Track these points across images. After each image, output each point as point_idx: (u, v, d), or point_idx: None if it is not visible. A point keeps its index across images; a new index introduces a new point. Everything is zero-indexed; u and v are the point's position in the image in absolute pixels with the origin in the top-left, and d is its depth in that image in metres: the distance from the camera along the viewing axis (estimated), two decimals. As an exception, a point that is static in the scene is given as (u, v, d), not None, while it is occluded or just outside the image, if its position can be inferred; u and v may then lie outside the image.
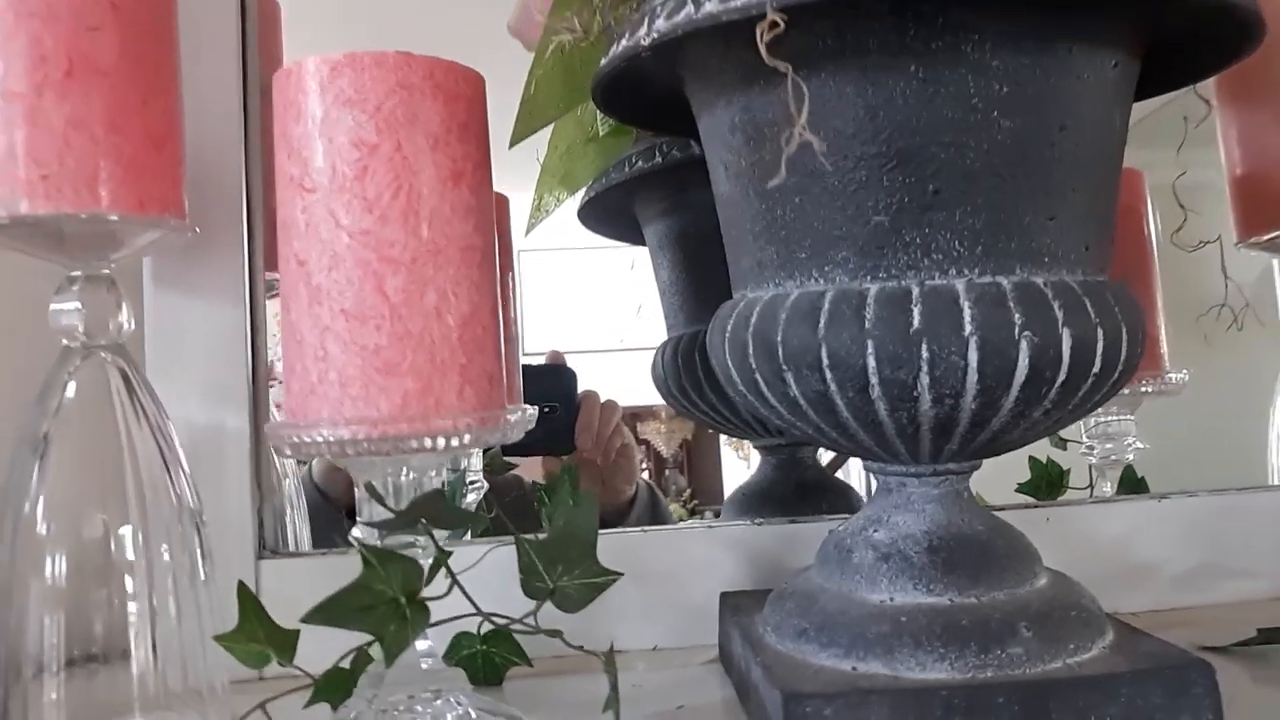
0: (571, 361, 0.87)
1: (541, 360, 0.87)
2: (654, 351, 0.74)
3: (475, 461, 0.72)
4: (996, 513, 0.48)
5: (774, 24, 0.33)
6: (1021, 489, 0.77)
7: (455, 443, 0.43)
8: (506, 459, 0.81)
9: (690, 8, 0.38)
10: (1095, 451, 0.77)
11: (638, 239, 0.77)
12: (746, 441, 0.83)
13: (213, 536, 0.51)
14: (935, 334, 0.39)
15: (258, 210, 0.59)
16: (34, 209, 0.44)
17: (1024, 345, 0.39)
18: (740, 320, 0.44)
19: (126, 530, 0.48)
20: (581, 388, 0.85)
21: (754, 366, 0.43)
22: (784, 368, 0.42)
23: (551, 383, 0.83)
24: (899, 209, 0.40)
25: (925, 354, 0.39)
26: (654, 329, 0.76)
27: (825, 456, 0.76)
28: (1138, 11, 0.40)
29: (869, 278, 0.41)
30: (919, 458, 0.44)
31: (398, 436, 0.42)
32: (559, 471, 0.56)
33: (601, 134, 0.67)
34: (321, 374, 0.43)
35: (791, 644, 0.45)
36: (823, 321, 0.41)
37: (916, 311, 0.39)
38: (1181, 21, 0.42)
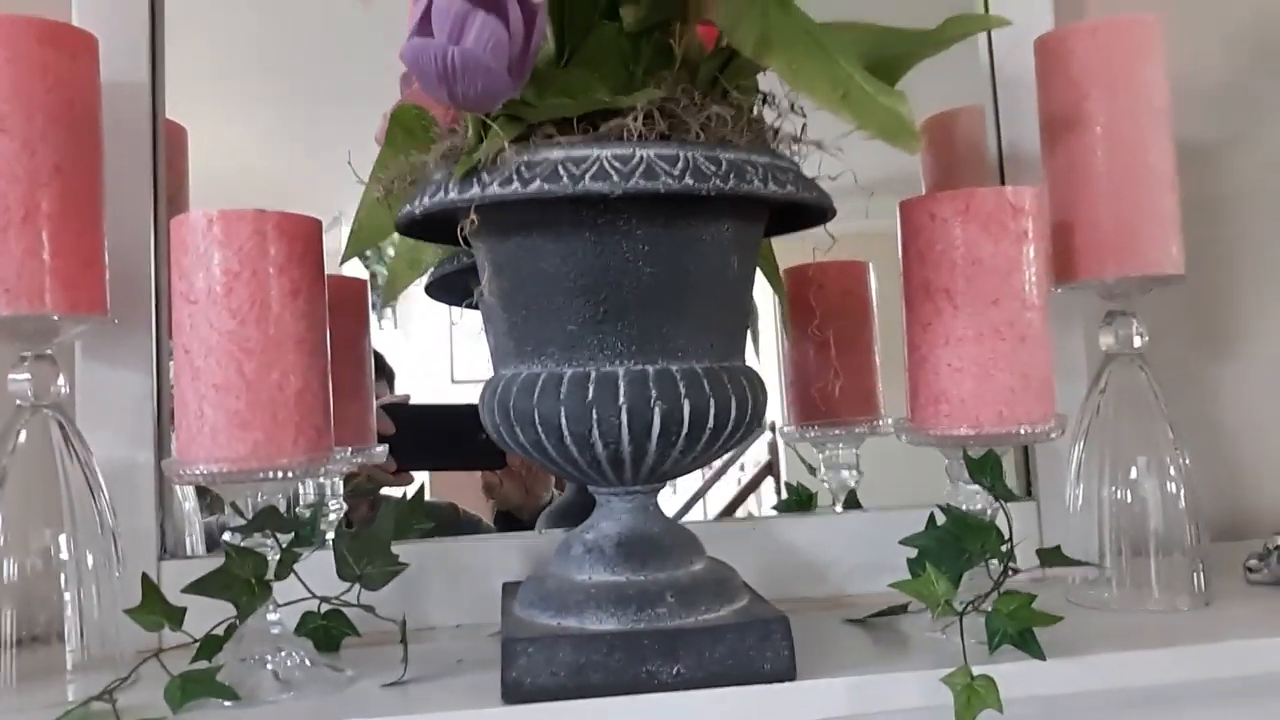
0: None
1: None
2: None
3: (338, 489, 0.92)
4: (713, 525, 0.69)
5: (472, 221, 0.54)
6: (778, 507, 1.00)
7: (290, 474, 0.63)
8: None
9: (441, 194, 0.60)
10: (828, 478, 0.99)
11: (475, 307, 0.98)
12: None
13: (127, 544, 0.70)
14: (601, 402, 0.60)
15: (163, 301, 0.79)
16: (0, 312, 0.64)
17: (657, 410, 0.60)
18: (492, 391, 0.65)
19: (62, 540, 0.68)
20: None
21: (497, 421, 0.64)
22: (514, 423, 0.63)
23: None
24: (583, 322, 0.62)
25: (595, 415, 0.60)
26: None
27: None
28: (733, 201, 0.62)
29: (567, 365, 0.62)
30: (610, 482, 0.65)
31: (250, 470, 0.62)
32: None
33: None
34: (199, 428, 0.63)
35: (525, 611, 0.66)
36: (536, 394, 0.62)
37: (592, 388, 0.61)
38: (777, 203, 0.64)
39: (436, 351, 1.00)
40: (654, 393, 0.61)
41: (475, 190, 0.58)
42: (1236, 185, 1.04)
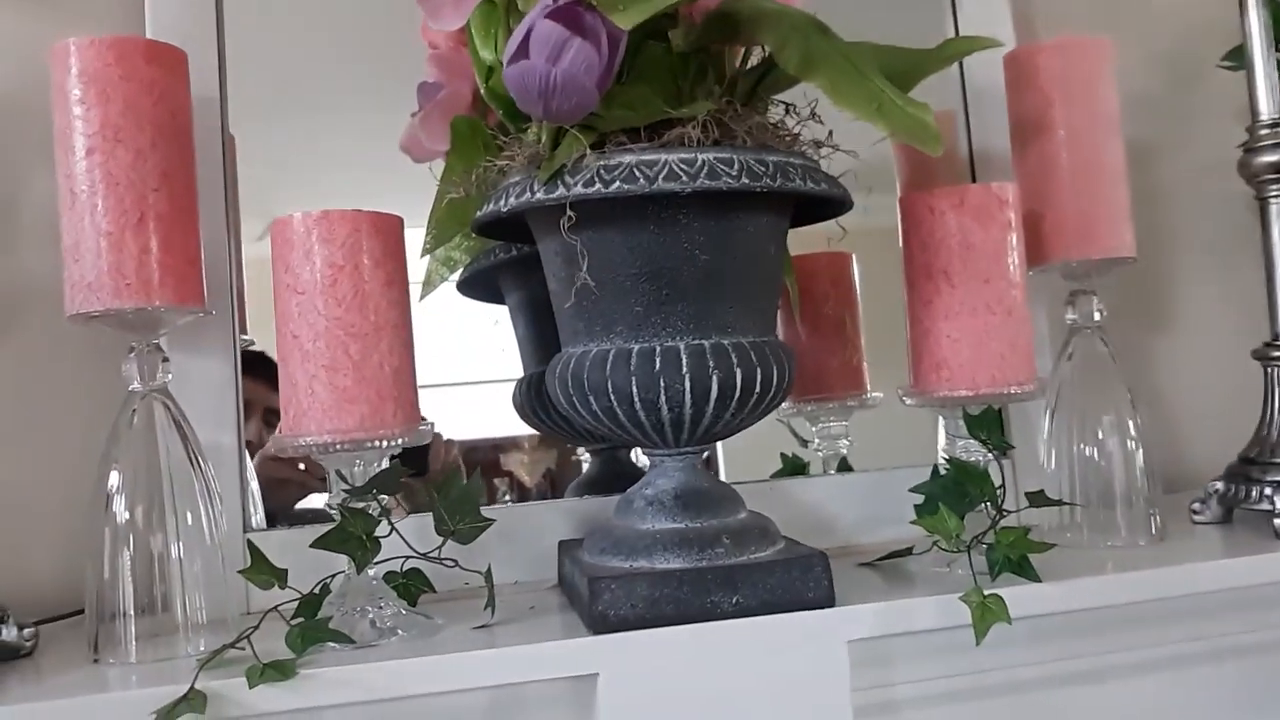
0: (448, 392, 1.13)
1: None
2: (514, 386, 1.04)
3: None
4: (739, 486, 0.79)
5: (570, 218, 0.64)
6: (774, 476, 1.10)
7: (391, 444, 0.72)
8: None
9: (528, 194, 0.69)
10: (822, 448, 1.10)
11: (502, 302, 1.06)
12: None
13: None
14: (667, 373, 0.70)
15: (235, 297, 0.86)
16: (120, 304, 0.71)
17: (715, 378, 0.70)
18: (564, 366, 0.75)
19: (174, 514, 0.74)
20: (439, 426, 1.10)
21: (570, 393, 0.74)
22: (587, 393, 0.72)
23: None
24: (648, 304, 0.71)
25: (662, 384, 0.70)
26: (515, 367, 1.05)
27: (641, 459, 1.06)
28: (774, 198, 0.72)
29: (634, 341, 0.72)
30: (668, 444, 0.75)
31: (357, 440, 0.71)
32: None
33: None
34: (310, 404, 0.71)
35: (597, 557, 0.75)
36: (608, 367, 0.71)
37: (658, 361, 0.71)
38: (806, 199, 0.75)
39: None
40: (711, 363, 0.71)
41: (561, 190, 0.67)
42: (1170, 181, 1.18)
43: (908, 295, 0.85)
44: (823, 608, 0.72)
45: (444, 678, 0.67)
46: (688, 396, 0.71)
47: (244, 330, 0.90)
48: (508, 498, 1.03)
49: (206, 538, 0.75)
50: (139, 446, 0.74)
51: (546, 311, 0.80)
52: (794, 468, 1.11)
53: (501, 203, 0.71)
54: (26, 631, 0.74)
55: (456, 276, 1.03)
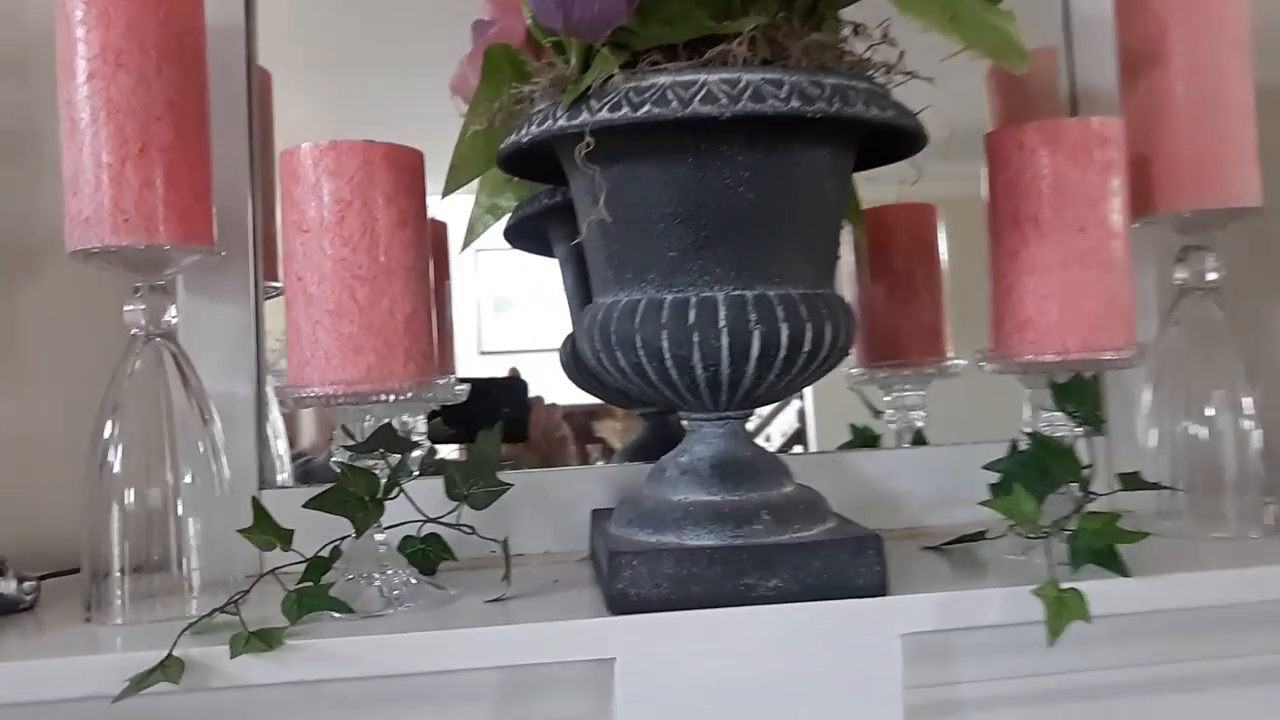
0: (534, 359, 1.08)
1: (505, 372, 1.08)
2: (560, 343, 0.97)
3: (420, 426, 0.95)
4: (799, 458, 0.71)
5: (588, 144, 0.56)
6: (842, 448, 1.01)
7: (401, 397, 0.66)
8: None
9: (549, 121, 0.61)
10: (895, 419, 1.01)
11: (552, 254, 1.00)
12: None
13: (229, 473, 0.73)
14: (702, 326, 0.62)
15: (259, 238, 0.81)
16: (118, 241, 0.66)
17: (756, 333, 0.62)
18: (592, 318, 0.67)
19: (176, 467, 0.70)
20: (540, 390, 1.06)
21: (598, 348, 0.66)
22: (614, 348, 0.65)
23: (509, 391, 1.05)
24: (684, 248, 0.63)
25: (696, 339, 0.62)
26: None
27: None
28: (833, 123, 0.63)
29: (667, 291, 0.64)
30: (706, 407, 0.67)
31: (363, 392, 0.65)
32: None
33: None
34: (313, 352, 0.65)
35: (624, 529, 0.68)
36: (638, 319, 0.64)
37: (693, 313, 0.63)
38: (872, 129, 0.65)
39: (464, 323, 1.01)
40: (753, 317, 0.62)
41: (585, 116, 0.60)
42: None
43: (990, 247, 0.75)
44: (874, 596, 0.64)
45: (441, 656, 0.61)
46: (725, 354, 0.63)
47: (274, 277, 0.85)
48: (600, 463, 0.99)
49: (213, 493, 0.70)
50: (140, 394, 0.70)
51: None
52: (864, 440, 1.01)
53: (523, 132, 0.64)
54: (27, 585, 0.71)
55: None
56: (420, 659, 0.61)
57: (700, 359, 0.63)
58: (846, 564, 0.64)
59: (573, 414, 1.02)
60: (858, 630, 0.63)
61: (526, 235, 0.98)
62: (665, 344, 0.63)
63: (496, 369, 1.04)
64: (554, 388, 1.02)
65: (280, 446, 0.90)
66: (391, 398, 0.66)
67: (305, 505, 0.63)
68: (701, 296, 0.63)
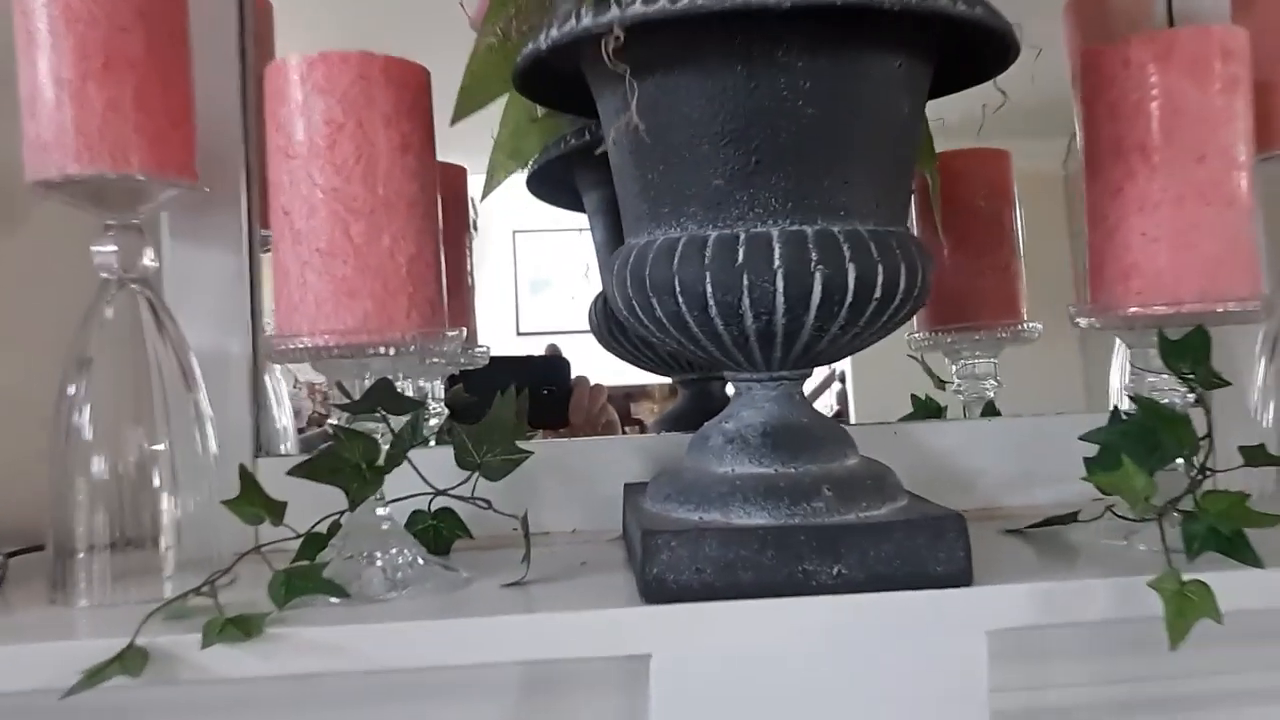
0: (572, 340, 1.00)
1: (542, 350, 1.00)
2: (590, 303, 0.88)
3: (438, 391, 0.86)
4: (852, 430, 0.62)
5: (617, 37, 0.46)
6: (903, 420, 0.91)
7: (403, 350, 0.57)
8: None
9: (572, 22, 0.52)
10: (963, 389, 0.90)
11: (580, 207, 0.90)
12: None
13: (221, 438, 0.64)
14: (753, 267, 0.53)
15: (254, 176, 0.72)
16: (81, 170, 0.58)
17: (818, 276, 0.52)
18: (623, 261, 0.58)
19: (155, 431, 0.62)
20: (576, 372, 0.99)
21: (631, 295, 0.57)
22: (649, 294, 0.56)
23: (550, 369, 0.97)
24: (731, 175, 0.54)
25: (745, 282, 0.53)
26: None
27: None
28: (910, 23, 0.53)
29: (711, 226, 0.55)
30: (756, 366, 0.58)
31: (359, 344, 0.56)
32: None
33: (541, 116, 0.80)
34: (301, 297, 0.56)
35: (660, 505, 0.59)
36: (676, 260, 0.54)
37: (741, 252, 0.53)
38: (953, 34, 0.55)
39: (502, 304, 0.97)
40: (814, 256, 0.53)
41: (615, 12, 0.50)
42: None
43: (1087, 185, 0.65)
44: (956, 586, 0.54)
45: (448, 648, 0.52)
46: (780, 300, 0.53)
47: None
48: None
49: (195, 461, 0.62)
50: (113, 348, 0.61)
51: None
52: (928, 412, 0.91)
53: (542, 38, 0.54)
54: (-9, 561, 0.63)
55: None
56: (423, 652, 0.52)
57: (750, 306, 0.53)
58: (923, 548, 0.54)
59: (610, 396, 0.98)
60: (936, 626, 0.54)
61: (552, 184, 0.89)
62: (709, 288, 0.53)
63: (534, 350, 0.96)
64: (592, 370, 0.97)
65: (285, 417, 0.82)
66: (392, 350, 0.57)
67: (290, 472, 0.54)
68: (752, 232, 0.53)
